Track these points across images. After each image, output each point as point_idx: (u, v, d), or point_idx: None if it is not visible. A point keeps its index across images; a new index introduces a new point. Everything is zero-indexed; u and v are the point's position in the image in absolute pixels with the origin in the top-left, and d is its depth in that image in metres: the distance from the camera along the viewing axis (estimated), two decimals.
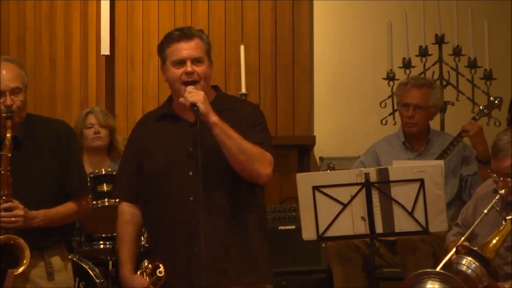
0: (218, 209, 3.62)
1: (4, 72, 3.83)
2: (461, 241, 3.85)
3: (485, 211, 3.91)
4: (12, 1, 6.70)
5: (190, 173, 3.61)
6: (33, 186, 3.85)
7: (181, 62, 3.65)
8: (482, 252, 3.72)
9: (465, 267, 3.70)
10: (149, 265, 3.65)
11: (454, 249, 3.82)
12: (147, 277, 3.64)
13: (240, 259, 3.64)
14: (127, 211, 3.78)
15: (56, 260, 3.90)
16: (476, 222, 3.93)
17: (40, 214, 3.81)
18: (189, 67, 3.64)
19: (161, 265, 3.60)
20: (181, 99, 3.60)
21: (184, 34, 3.68)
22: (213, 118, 3.54)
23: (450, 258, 3.80)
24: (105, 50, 6.55)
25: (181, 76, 3.65)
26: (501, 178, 3.95)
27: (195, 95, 3.56)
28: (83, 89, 6.67)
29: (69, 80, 6.67)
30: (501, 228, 3.84)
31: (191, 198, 3.58)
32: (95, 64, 6.67)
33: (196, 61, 3.66)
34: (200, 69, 3.66)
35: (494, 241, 3.78)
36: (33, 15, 6.72)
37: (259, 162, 3.61)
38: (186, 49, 3.65)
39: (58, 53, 6.69)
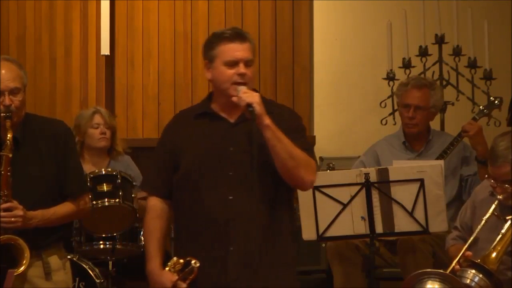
0: (257, 209, 3.57)
1: (3, 72, 3.82)
2: (463, 250, 3.84)
3: (485, 218, 3.90)
4: (12, 1, 6.69)
5: (230, 173, 3.59)
6: (31, 186, 3.83)
7: (234, 63, 3.61)
8: (484, 264, 3.71)
9: (469, 280, 3.69)
10: (180, 260, 3.59)
11: (457, 258, 3.80)
12: (175, 273, 3.60)
13: (275, 262, 3.60)
14: (158, 206, 3.71)
15: (54, 260, 3.89)
16: (477, 231, 3.91)
17: (38, 215, 3.79)
18: (242, 68, 3.59)
19: (193, 259, 3.53)
20: (234, 98, 3.56)
21: (238, 34, 3.63)
22: (267, 120, 3.51)
23: (453, 269, 3.79)
24: (105, 50, 6.55)
25: (232, 77, 3.60)
26: (498, 184, 3.92)
27: (250, 96, 3.52)
28: (83, 89, 6.66)
29: (69, 80, 6.67)
30: (501, 236, 3.82)
31: (230, 197, 3.56)
32: (95, 64, 6.67)
33: (247, 63, 3.62)
34: (250, 71, 3.62)
35: (495, 253, 3.77)
36: (33, 15, 6.71)
37: (305, 168, 3.57)
38: (240, 50, 3.60)
39: (58, 53, 6.68)
